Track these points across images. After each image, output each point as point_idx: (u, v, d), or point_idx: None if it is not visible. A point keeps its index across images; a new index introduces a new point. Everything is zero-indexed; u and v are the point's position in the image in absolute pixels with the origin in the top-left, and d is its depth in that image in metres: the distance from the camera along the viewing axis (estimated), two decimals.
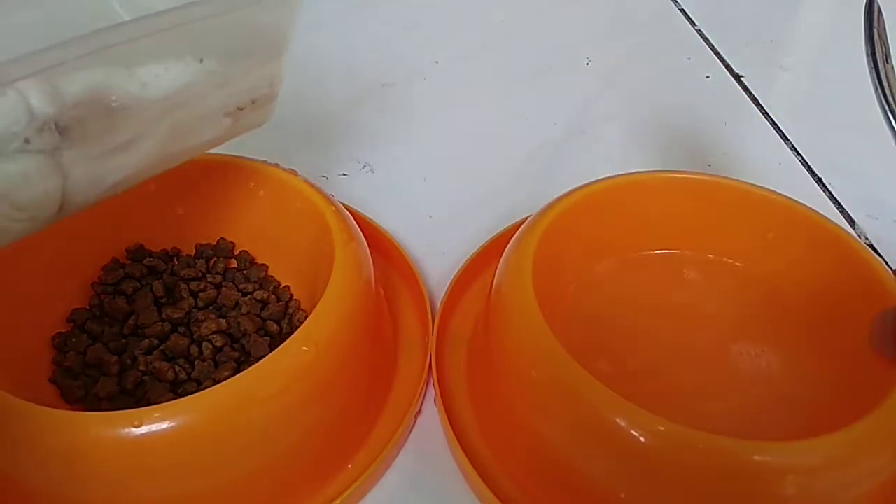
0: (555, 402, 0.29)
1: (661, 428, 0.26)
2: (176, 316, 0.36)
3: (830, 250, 0.35)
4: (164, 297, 0.37)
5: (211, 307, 0.37)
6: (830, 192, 0.48)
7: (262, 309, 0.37)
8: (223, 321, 0.35)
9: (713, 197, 0.37)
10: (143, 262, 0.38)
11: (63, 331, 0.35)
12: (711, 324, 0.36)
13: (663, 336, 0.35)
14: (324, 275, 0.32)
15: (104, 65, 0.25)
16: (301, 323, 0.31)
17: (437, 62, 0.58)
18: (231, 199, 0.39)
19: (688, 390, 0.33)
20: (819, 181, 0.49)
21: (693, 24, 0.66)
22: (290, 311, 0.37)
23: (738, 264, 0.38)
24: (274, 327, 0.36)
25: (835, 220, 0.46)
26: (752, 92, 0.57)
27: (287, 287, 0.38)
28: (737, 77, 0.58)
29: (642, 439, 0.26)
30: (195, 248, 0.40)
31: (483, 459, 0.32)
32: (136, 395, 0.33)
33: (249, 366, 0.28)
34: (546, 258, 0.33)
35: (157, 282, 0.37)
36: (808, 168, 0.50)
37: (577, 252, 0.36)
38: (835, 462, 0.26)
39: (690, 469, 0.26)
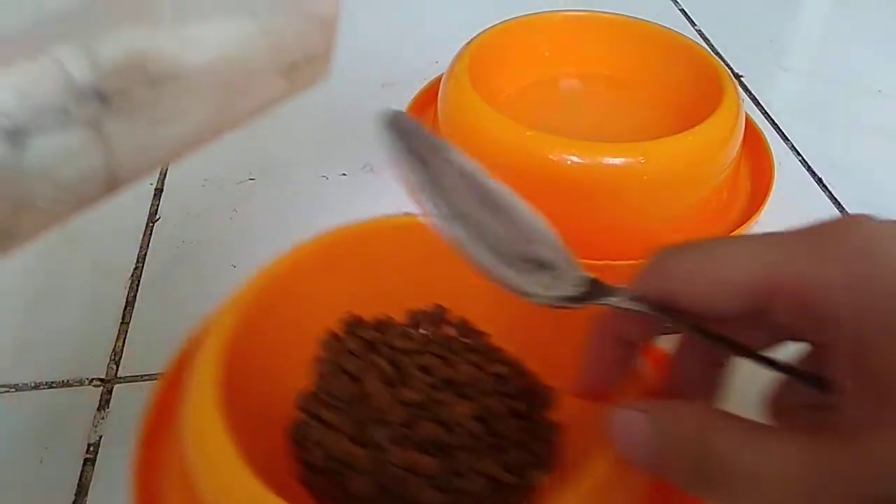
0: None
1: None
2: (415, 398, 0.32)
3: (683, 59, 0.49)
4: (392, 374, 0.33)
5: (446, 385, 0.33)
6: (830, 192, 0.48)
7: (502, 384, 0.33)
8: (473, 403, 0.31)
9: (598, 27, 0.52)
10: (361, 334, 0.34)
11: (295, 418, 0.32)
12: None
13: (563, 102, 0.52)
14: (555, 338, 0.30)
15: (144, 24, 0.23)
16: (545, 400, 0.30)
17: (437, 62, 0.58)
18: (442, 261, 0.36)
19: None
20: (819, 181, 0.49)
21: (693, 24, 0.66)
22: (532, 385, 0.33)
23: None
24: (521, 406, 0.32)
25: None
26: (752, 92, 0.57)
27: (518, 359, 0.34)
28: (737, 77, 0.58)
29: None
30: (407, 315, 0.35)
31: None
32: (393, 493, 0.29)
33: (509, 453, 0.27)
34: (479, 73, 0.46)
35: (381, 359, 0.33)
36: (808, 168, 0.50)
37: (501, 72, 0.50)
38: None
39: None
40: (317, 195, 0.47)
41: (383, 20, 0.65)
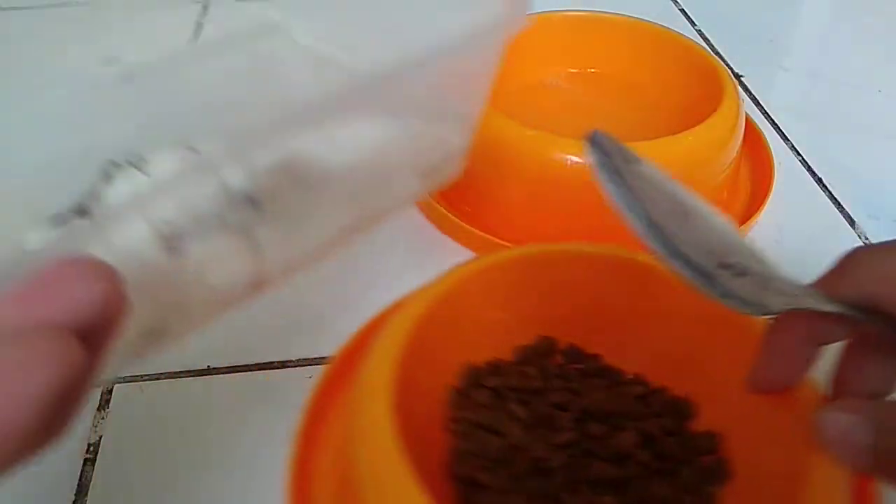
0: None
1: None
2: (569, 439, 0.31)
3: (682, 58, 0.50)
4: (530, 418, 0.32)
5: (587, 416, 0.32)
6: (830, 192, 0.48)
7: (645, 405, 0.32)
8: (630, 431, 0.31)
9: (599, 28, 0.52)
10: (484, 384, 0.32)
11: (456, 490, 0.29)
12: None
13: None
14: (675, 348, 0.30)
15: (297, 130, 0.23)
16: (688, 412, 0.31)
17: None
18: (540, 290, 0.34)
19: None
20: (819, 181, 0.49)
21: (693, 24, 0.66)
22: (670, 399, 0.33)
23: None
24: (671, 423, 0.31)
25: (834, 220, 0.46)
26: (752, 92, 0.57)
27: (641, 375, 0.33)
28: (737, 77, 0.58)
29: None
30: (515, 352, 0.34)
31: None
32: None
33: (680, 473, 0.28)
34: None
35: (515, 406, 0.32)
36: (808, 168, 0.50)
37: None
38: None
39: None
40: None
41: None
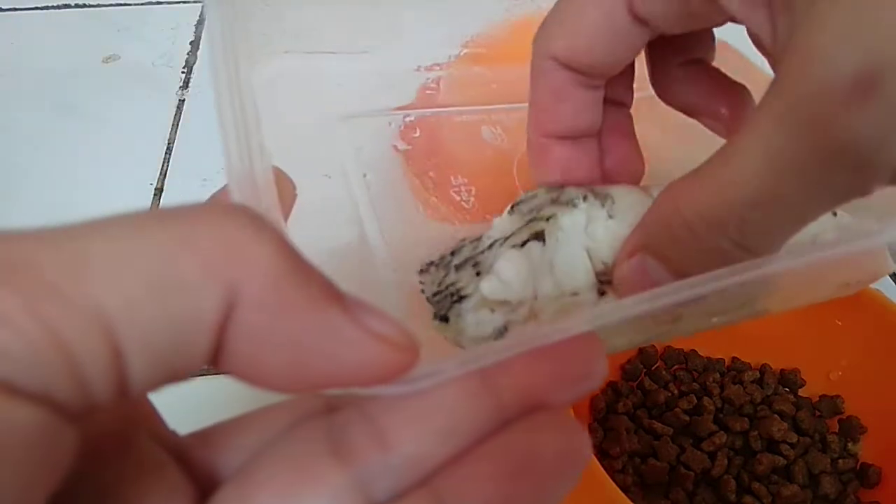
0: None
1: None
2: (721, 442, 0.31)
3: None
4: (681, 423, 0.32)
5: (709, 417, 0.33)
6: None
7: (762, 386, 0.33)
8: (778, 418, 0.31)
9: None
10: (617, 410, 0.33)
11: None
12: None
13: None
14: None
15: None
16: (799, 382, 0.31)
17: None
18: None
19: None
20: None
21: None
22: (779, 375, 0.33)
23: None
24: (792, 397, 0.32)
25: None
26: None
27: (739, 358, 0.34)
28: None
29: None
30: (621, 370, 0.34)
31: None
32: None
33: (822, 445, 0.29)
34: None
35: (655, 423, 0.32)
36: None
37: None
38: None
39: None
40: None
41: None
